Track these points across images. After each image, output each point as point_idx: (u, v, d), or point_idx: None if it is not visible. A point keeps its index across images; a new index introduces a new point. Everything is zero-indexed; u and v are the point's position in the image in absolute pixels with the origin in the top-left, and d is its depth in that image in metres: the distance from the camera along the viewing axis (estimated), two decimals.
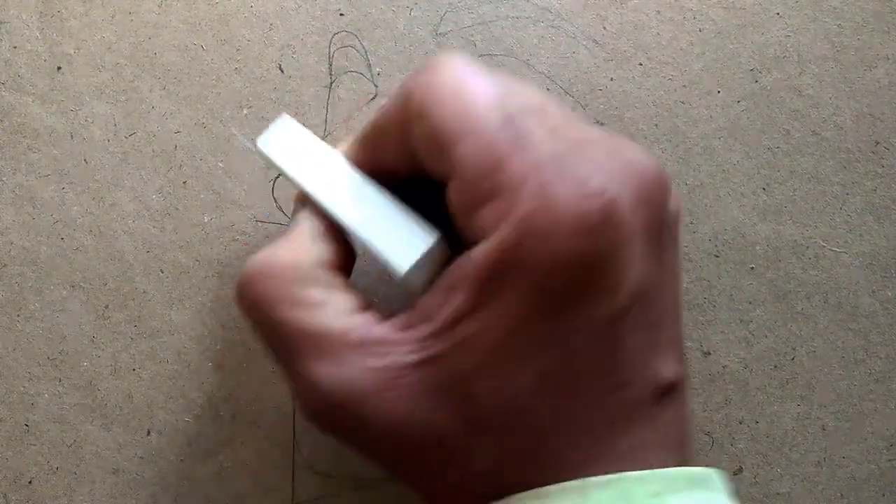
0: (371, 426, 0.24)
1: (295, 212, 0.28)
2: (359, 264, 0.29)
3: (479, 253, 0.23)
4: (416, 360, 0.24)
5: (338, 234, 0.27)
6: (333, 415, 0.24)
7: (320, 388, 0.24)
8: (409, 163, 0.26)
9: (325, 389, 0.24)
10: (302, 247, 0.26)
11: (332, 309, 0.25)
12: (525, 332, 0.23)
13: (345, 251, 0.27)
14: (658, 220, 0.25)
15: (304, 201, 0.28)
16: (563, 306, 0.23)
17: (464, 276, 0.24)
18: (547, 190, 0.23)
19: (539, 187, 0.23)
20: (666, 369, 0.25)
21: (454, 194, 0.24)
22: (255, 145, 0.28)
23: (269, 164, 0.28)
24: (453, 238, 0.26)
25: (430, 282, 0.25)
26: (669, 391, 0.25)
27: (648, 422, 0.25)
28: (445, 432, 0.24)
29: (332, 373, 0.24)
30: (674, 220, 0.26)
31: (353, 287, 0.26)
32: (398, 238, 0.25)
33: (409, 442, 0.24)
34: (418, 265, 0.25)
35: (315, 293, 0.25)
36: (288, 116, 0.29)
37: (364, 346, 0.24)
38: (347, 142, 0.28)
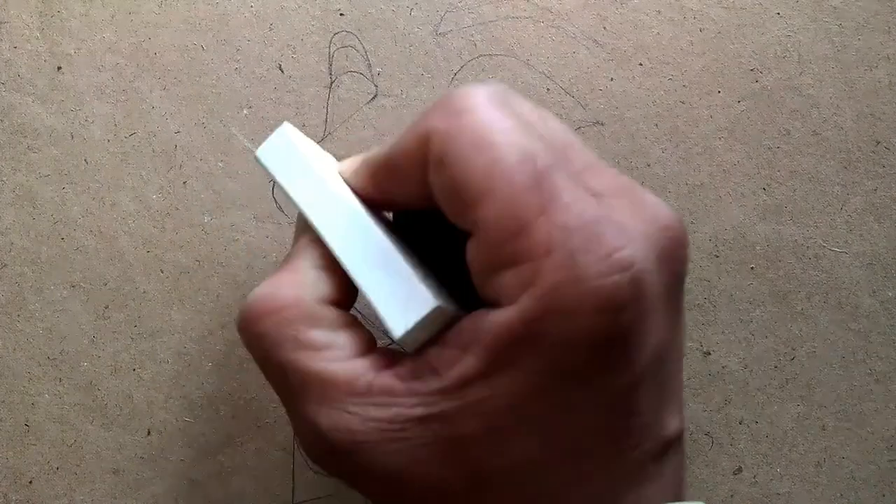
0: (373, 474, 0.24)
1: (296, 234, 0.27)
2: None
3: (497, 319, 0.23)
4: (421, 415, 0.23)
5: (340, 267, 0.26)
6: (336, 459, 0.24)
7: (323, 434, 0.24)
8: (422, 202, 0.25)
9: (327, 436, 0.24)
10: (304, 281, 0.25)
11: (337, 353, 0.24)
12: (537, 401, 0.23)
13: (347, 284, 0.26)
14: (678, 278, 0.24)
15: (306, 226, 0.26)
16: (580, 380, 0.23)
17: (478, 339, 0.23)
18: (575, 260, 0.22)
19: (566, 257, 0.22)
20: (672, 423, 0.25)
21: (474, 253, 0.23)
22: (255, 155, 0.27)
23: (270, 178, 0.27)
24: (463, 278, 0.25)
25: (431, 338, 0.25)
26: (673, 443, 0.25)
27: (654, 476, 0.24)
28: (448, 488, 0.24)
29: (336, 420, 0.23)
30: (687, 269, 0.25)
31: (356, 323, 0.26)
32: (397, 296, 0.24)
33: (411, 492, 0.24)
34: (416, 329, 0.24)
35: (319, 335, 0.24)
36: (289, 125, 0.27)
37: (369, 394, 0.23)
38: (354, 162, 0.27)
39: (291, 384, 0.24)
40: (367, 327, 0.26)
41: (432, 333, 0.24)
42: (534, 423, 0.23)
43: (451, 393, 0.23)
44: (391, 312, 0.24)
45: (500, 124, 0.23)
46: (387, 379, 0.24)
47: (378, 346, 0.26)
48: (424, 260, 0.26)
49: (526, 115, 0.25)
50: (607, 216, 0.23)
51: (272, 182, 0.33)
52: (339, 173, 0.27)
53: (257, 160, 0.27)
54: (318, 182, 0.26)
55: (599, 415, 0.23)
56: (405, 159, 0.25)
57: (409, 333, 0.24)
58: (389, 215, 0.29)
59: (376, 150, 0.26)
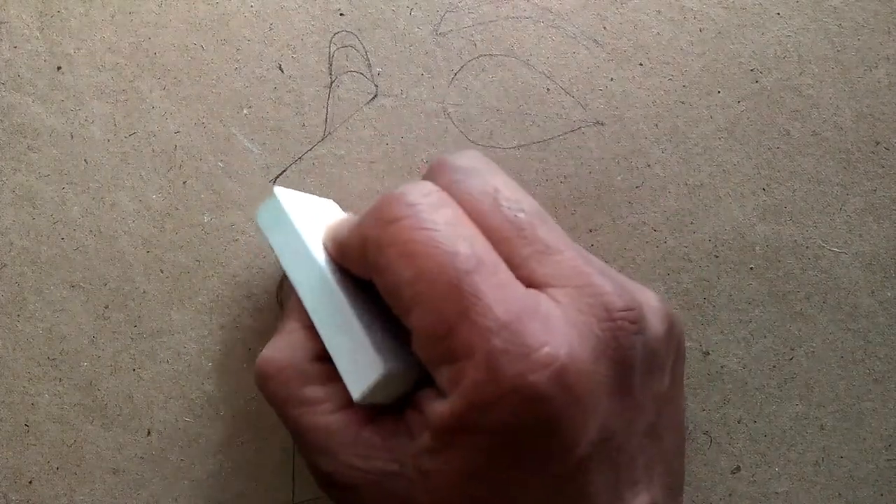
0: None
1: (286, 297, 0.30)
2: None
3: (437, 408, 0.24)
4: (395, 472, 0.25)
5: None
6: (338, 494, 0.27)
7: (321, 475, 0.27)
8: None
9: (324, 478, 0.27)
10: (296, 342, 0.28)
11: (328, 406, 0.27)
12: (481, 482, 0.24)
13: None
14: (628, 361, 0.25)
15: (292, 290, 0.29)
16: (517, 464, 0.24)
17: (429, 420, 0.24)
18: (493, 362, 0.23)
19: (485, 358, 0.23)
20: (640, 500, 0.26)
21: (415, 348, 0.25)
22: (256, 221, 0.29)
23: (262, 238, 0.29)
24: None
25: (405, 391, 0.27)
26: None
27: None
28: None
29: (330, 464, 0.26)
30: (656, 348, 0.26)
31: None
32: (355, 362, 0.26)
33: None
34: (370, 392, 0.26)
35: (313, 391, 0.27)
36: (281, 190, 0.29)
37: (354, 446, 0.26)
38: (332, 229, 0.28)
39: (298, 434, 0.27)
40: None
41: (397, 391, 0.26)
42: (482, 499, 0.24)
43: (414, 459, 0.25)
44: (349, 377, 0.26)
45: (424, 233, 0.24)
46: (369, 433, 0.26)
47: None
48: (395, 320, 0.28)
49: (475, 202, 0.26)
50: (532, 311, 0.24)
51: (272, 182, 0.33)
52: (325, 231, 0.29)
53: (257, 224, 0.29)
54: (300, 250, 0.28)
55: (547, 496, 0.24)
56: (352, 254, 0.26)
57: (364, 398, 0.26)
58: None
59: (343, 229, 0.27)
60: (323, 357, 0.28)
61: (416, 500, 0.25)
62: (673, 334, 0.27)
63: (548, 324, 0.23)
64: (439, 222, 0.24)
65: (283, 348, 0.28)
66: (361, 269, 0.26)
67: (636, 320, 0.25)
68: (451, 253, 0.24)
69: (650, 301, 0.27)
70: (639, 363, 0.25)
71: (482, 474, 0.24)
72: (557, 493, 0.24)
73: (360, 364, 0.26)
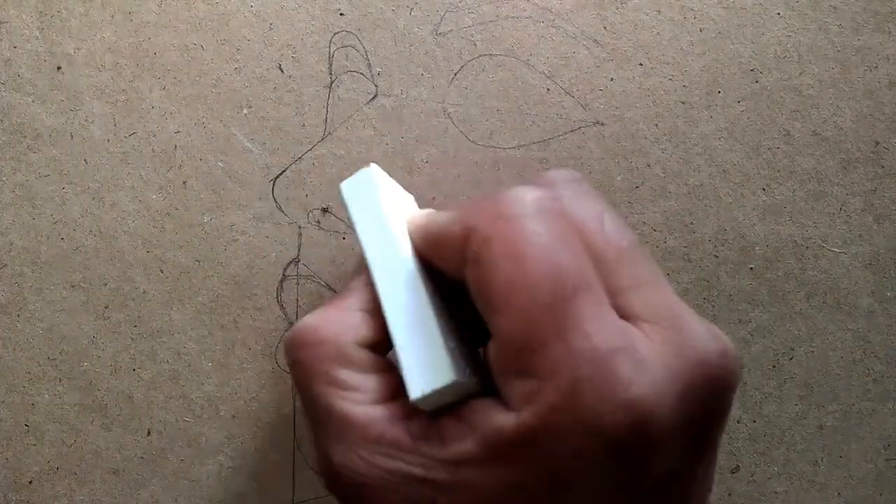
0: None
1: (353, 272, 0.29)
2: None
3: (500, 418, 0.23)
4: (420, 476, 0.24)
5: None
6: (342, 490, 0.25)
7: (334, 465, 0.25)
8: (463, 278, 0.26)
9: (337, 469, 0.25)
10: (348, 321, 0.27)
11: (360, 395, 0.26)
12: (525, 499, 0.23)
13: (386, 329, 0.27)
14: (706, 415, 0.24)
15: (364, 266, 0.28)
16: (571, 490, 0.23)
17: (480, 428, 0.24)
18: (577, 391, 0.22)
19: (571, 384, 0.22)
20: None
21: (491, 353, 0.24)
22: (339, 186, 0.28)
23: (343, 209, 0.28)
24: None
25: (452, 403, 0.26)
26: None
27: None
28: None
29: (346, 457, 0.25)
30: (731, 400, 0.25)
31: (389, 368, 0.27)
32: (422, 360, 0.25)
33: None
34: (430, 396, 0.25)
35: (348, 376, 0.26)
36: (377, 167, 0.28)
37: (379, 443, 0.25)
38: (421, 218, 0.28)
39: (318, 413, 0.26)
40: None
41: (447, 403, 0.25)
42: None
43: (448, 466, 0.24)
44: (413, 374, 0.25)
45: (536, 238, 0.23)
46: (398, 432, 0.25)
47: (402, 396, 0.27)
48: (465, 329, 0.27)
49: (583, 221, 0.25)
50: (628, 348, 0.23)
51: (272, 182, 0.33)
52: (408, 223, 0.28)
53: (339, 192, 0.28)
54: (386, 232, 0.27)
55: None
56: (450, 244, 0.25)
57: (423, 399, 0.25)
58: None
59: (436, 219, 0.27)
60: (371, 346, 0.27)
61: None
62: (738, 382, 0.26)
63: (640, 365, 0.22)
64: (552, 232, 0.24)
65: (332, 322, 0.27)
66: (453, 261, 0.25)
67: (728, 374, 0.24)
68: (560, 266, 0.23)
69: (734, 351, 0.25)
70: (719, 412, 0.24)
71: (527, 495, 0.23)
72: None
73: (429, 366, 0.25)
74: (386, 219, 0.27)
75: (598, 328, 0.23)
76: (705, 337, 0.24)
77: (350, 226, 0.28)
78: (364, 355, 0.26)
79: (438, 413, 0.25)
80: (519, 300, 0.23)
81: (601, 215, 0.25)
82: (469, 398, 0.25)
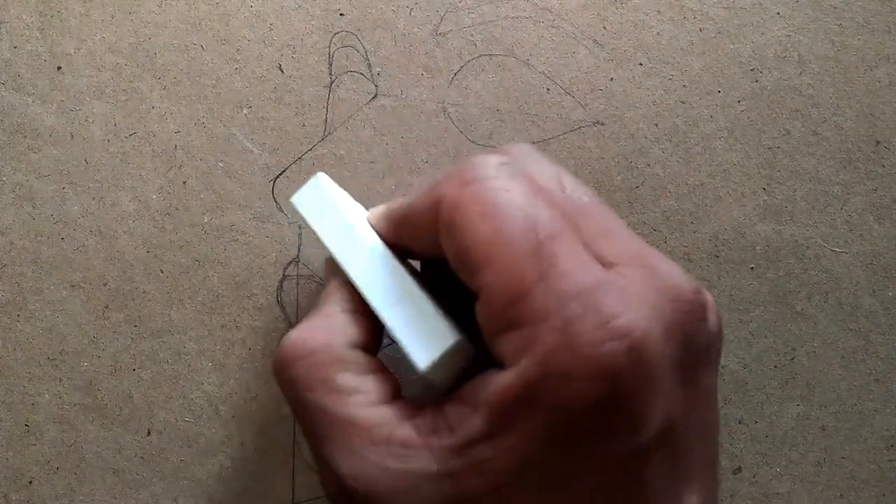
0: None
1: (326, 277, 0.29)
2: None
3: (499, 381, 0.23)
4: (434, 472, 0.24)
5: (368, 310, 0.27)
6: (351, 501, 0.25)
7: (341, 476, 0.24)
8: (437, 257, 0.26)
9: (345, 480, 0.24)
10: (335, 326, 0.27)
11: (363, 397, 0.25)
12: (538, 464, 0.23)
13: (375, 327, 0.27)
14: (692, 347, 0.24)
15: (336, 269, 0.28)
16: (580, 444, 0.23)
17: (485, 399, 0.23)
18: (570, 328, 0.22)
19: (562, 324, 0.22)
20: (689, 500, 0.25)
21: (480, 315, 0.24)
22: (291, 201, 0.29)
23: (302, 222, 0.29)
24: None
25: (456, 377, 0.26)
26: None
27: None
28: None
29: (354, 465, 0.24)
30: (712, 341, 0.25)
31: (382, 368, 0.27)
32: (421, 333, 0.25)
33: None
34: (439, 362, 0.25)
35: (347, 379, 0.25)
36: (324, 176, 0.29)
37: (388, 444, 0.24)
38: (378, 211, 0.28)
39: (319, 426, 0.25)
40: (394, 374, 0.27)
41: (457, 370, 0.25)
42: (537, 486, 0.23)
43: (460, 451, 0.23)
44: (415, 347, 0.25)
45: (506, 195, 0.24)
46: (406, 431, 0.24)
47: (403, 395, 0.26)
48: (448, 308, 0.27)
49: (543, 181, 0.25)
50: (609, 282, 0.23)
51: (272, 182, 0.33)
52: (368, 218, 0.29)
53: (293, 206, 0.29)
54: (348, 227, 0.28)
55: (605, 483, 0.23)
56: (420, 219, 0.26)
57: (432, 368, 0.25)
58: (417, 265, 0.30)
59: (398, 203, 0.27)
60: (363, 346, 0.27)
61: (453, 500, 0.23)
62: (721, 331, 0.27)
63: (624, 296, 0.23)
64: (519, 189, 0.24)
65: (319, 330, 0.26)
66: (424, 237, 0.26)
67: (701, 307, 0.25)
68: (532, 216, 0.24)
69: (708, 295, 0.26)
70: (702, 352, 0.25)
71: (540, 459, 0.23)
72: (614, 479, 0.23)
73: (428, 334, 0.25)
74: (344, 215, 0.28)
75: (578, 266, 0.23)
76: (678, 275, 0.24)
77: (315, 236, 0.28)
78: (359, 356, 0.26)
79: (442, 403, 0.25)
80: (499, 254, 0.23)
81: (559, 175, 0.26)
82: (470, 375, 0.25)
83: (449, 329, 0.25)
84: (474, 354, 0.26)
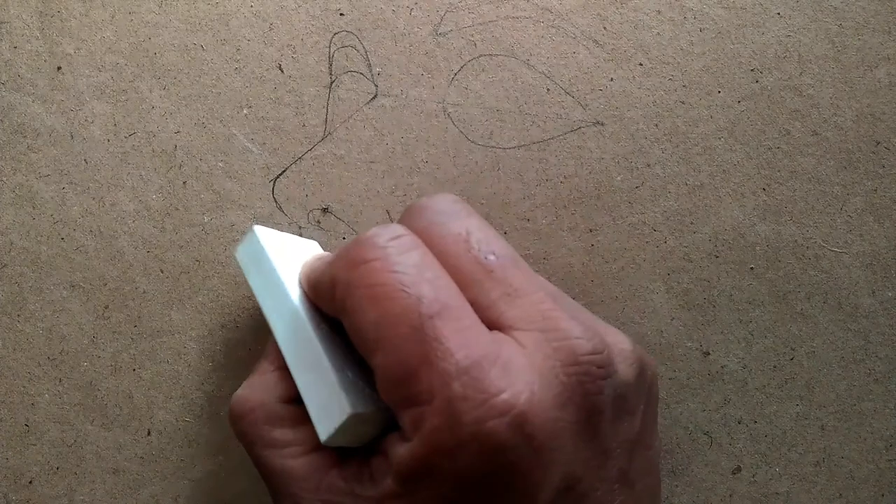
0: None
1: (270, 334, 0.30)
2: None
3: (400, 451, 0.24)
4: None
5: None
6: None
7: None
8: None
9: None
10: (267, 382, 0.28)
11: (296, 449, 0.27)
12: None
13: None
14: (598, 404, 0.25)
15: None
16: None
17: (394, 464, 0.24)
18: (452, 408, 0.23)
19: (445, 404, 0.23)
20: None
21: (379, 390, 0.25)
22: (234, 255, 0.29)
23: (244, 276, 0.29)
24: None
25: (372, 434, 0.26)
26: None
27: None
28: None
29: None
30: (627, 391, 0.26)
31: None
32: (323, 402, 0.26)
33: None
34: (336, 435, 0.26)
35: (282, 434, 0.27)
36: (260, 228, 0.29)
37: (318, 491, 0.26)
38: (304, 269, 0.29)
39: (266, 477, 0.27)
40: None
41: (366, 433, 0.26)
42: None
43: (378, 503, 0.25)
44: (317, 417, 0.26)
45: (391, 276, 0.24)
46: (333, 478, 0.26)
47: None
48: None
49: (445, 245, 0.26)
50: (494, 357, 0.24)
51: (272, 182, 0.33)
52: (301, 268, 0.29)
53: (235, 261, 0.29)
54: (275, 284, 0.28)
55: None
56: (323, 294, 0.27)
57: (331, 438, 0.26)
58: None
59: (313, 267, 0.28)
60: (294, 399, 0.28)
61: None
62: (644, 378, 0.27)
63: (508, 370, 0.23)
64: (407, 265, 0.25)
65: (255, 388, 0.28)
66: (331, 308, 0.26)
67: (604, 364, 0.25)
68: (415, 297, 0.24)
69: (620, 344, 0.27)
70: (607, 408, 0.25)
71: None
72: None
73: (329, 405, 0.26)
74: (275, 274, 0.28)
75: (461, 344, 0.24)
76: (578, 335, 0.25)
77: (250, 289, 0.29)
78: (290, 410, 0.28)
79: (369, 452, 0.26)
80: (385, 338, 0.24)
81: (467, 234, 0.26)
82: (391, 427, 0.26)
83: (347, 400, 0.25)
84: (388, 415, 0.26)
